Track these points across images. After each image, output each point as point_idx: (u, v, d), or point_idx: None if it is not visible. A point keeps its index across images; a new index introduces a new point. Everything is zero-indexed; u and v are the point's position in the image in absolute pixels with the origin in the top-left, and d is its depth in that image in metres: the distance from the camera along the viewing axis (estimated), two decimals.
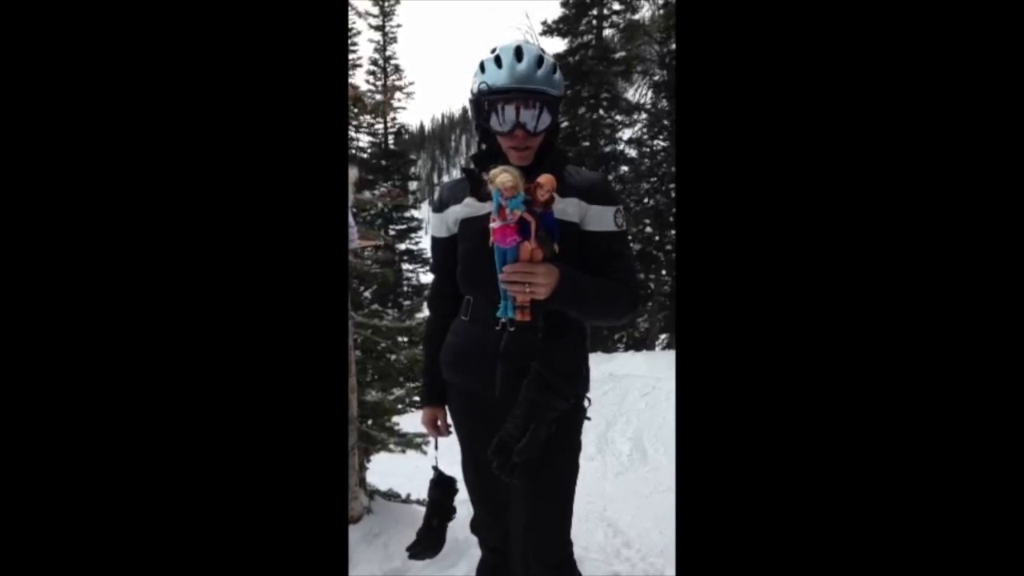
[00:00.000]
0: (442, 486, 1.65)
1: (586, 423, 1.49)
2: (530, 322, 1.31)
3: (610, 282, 1.38)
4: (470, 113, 1.43)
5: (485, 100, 1.34)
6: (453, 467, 1.64)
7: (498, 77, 1.33)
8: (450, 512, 1.66)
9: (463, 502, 1.65)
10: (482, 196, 1.39)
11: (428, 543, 1.64)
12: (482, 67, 1.36)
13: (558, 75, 1.37)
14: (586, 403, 1.46)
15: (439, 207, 1.51)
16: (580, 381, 1.42)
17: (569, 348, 1.40)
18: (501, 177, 1.23)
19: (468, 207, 1.43)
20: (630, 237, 1.52)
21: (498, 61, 1.34)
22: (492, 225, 1.27)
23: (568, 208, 1.36)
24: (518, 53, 1.34)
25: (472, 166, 1.44)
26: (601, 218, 1.39)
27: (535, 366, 1.32)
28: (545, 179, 1.25)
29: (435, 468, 1.66)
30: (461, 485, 1.65)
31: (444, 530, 1.66)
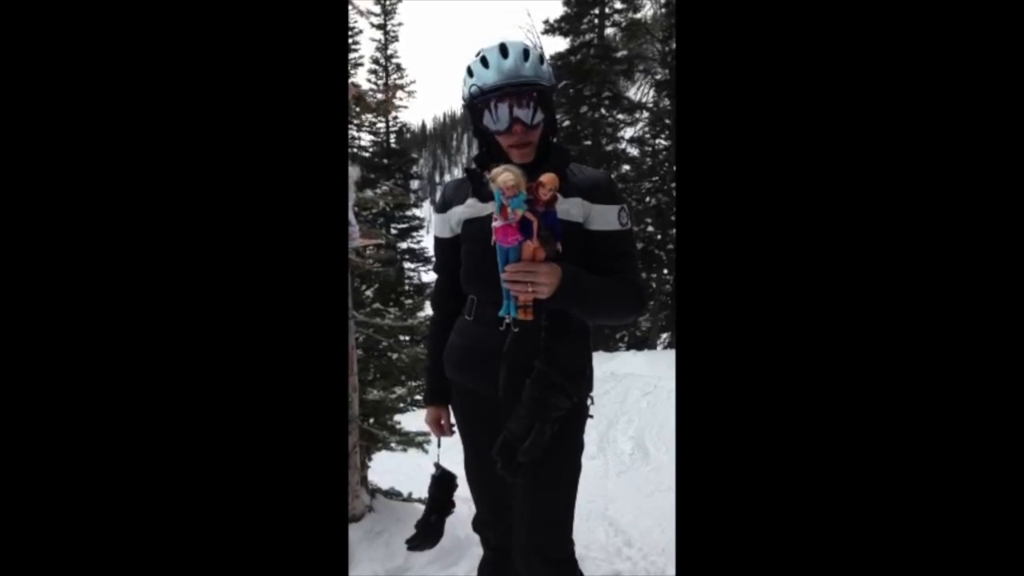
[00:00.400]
0: (443, 482, 1.66)
1: (588, 422, 1.49)
2: (533, 321, 1.31)
3: (615, 282, 1.38)
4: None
5: (478, 102, 1.34)
6: (455, 466, 1.65)
7: (487, 77, 1.33)
8: (448, 507, 1.67)
9: (465, 500, 1.66)
10: (484, 196, 1.39)
11: (426, 535, 1.66)
12: (469, 71, 1.37)
13: (546, 66, 1.38)
14: (589, 402, 1.46)
15: (442, 207, 1.51)
16: (584, 380, 1.42)
17: (573, 347, 1.41)
18: (503, 176, 1.23)
19: (471, 208, 1.43)
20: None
21: (484, 62, 1.34)
22: (494, 224, 1.27)
23: (571, 209, 1.35)
24: (503, 50, 1.34)
25: (474, 166, 1.44)
26: (605, 217, 1.39)
27: (539, 365, 1.32)
28: (547, 178, 1.25)
29: (437, 465, 1.67)
30: (460, 481, 1.66)
31: (442, 524, 1.68)
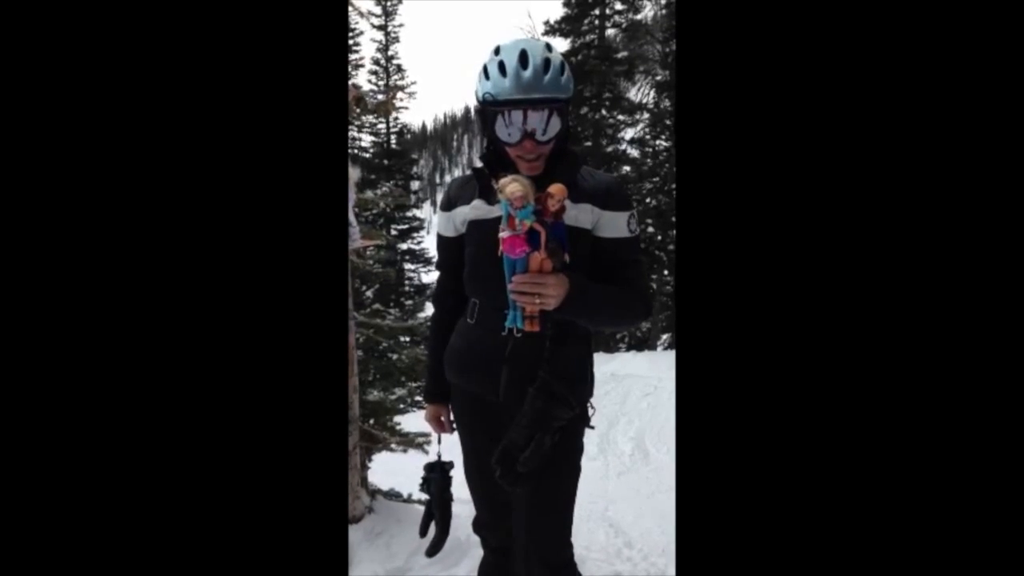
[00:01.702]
0: (440, 481, 1.65)
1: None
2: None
3: (621, 290, 1.37)
4: (472, 117, 1.42)
5: (489, 109, 1.29)
6: (456, 467, 1.65)
7: (502, 87, 1.26)
8: (449, 502, 1.66)
9: (465, 501, 1.66)
10: (491, 199, 1.37)
11: (438, 541, 1.65)
12: (486, 73, 1.30)
13: (566, 75, 1.30)
14: (590, 410, 1.45)
15: (447, 205, 1.50)
16: (584, 387, 1.42)
17: (575, 351, 1.40)
18: (511, 187, 1.22)
19: (477, 209, 1.41)
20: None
21: (502, 68, 1.27)
22: (501, 235, 1.26)
23: (581, 215, 1.34)
24: (523, 58, 1.26)
25: (480, 165, 1.42)
26: (614, 224, 1.37)
27: (541, 375, 1.31)
28: (556, 189, 1.23)
29: (435, 464, 1.66)
30: (457, 470, 1.65)
31: (447, 522, 1.67)
